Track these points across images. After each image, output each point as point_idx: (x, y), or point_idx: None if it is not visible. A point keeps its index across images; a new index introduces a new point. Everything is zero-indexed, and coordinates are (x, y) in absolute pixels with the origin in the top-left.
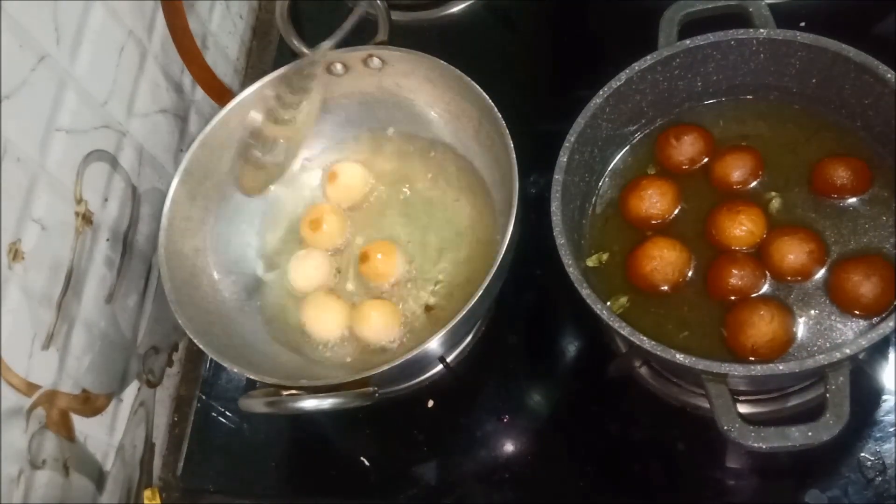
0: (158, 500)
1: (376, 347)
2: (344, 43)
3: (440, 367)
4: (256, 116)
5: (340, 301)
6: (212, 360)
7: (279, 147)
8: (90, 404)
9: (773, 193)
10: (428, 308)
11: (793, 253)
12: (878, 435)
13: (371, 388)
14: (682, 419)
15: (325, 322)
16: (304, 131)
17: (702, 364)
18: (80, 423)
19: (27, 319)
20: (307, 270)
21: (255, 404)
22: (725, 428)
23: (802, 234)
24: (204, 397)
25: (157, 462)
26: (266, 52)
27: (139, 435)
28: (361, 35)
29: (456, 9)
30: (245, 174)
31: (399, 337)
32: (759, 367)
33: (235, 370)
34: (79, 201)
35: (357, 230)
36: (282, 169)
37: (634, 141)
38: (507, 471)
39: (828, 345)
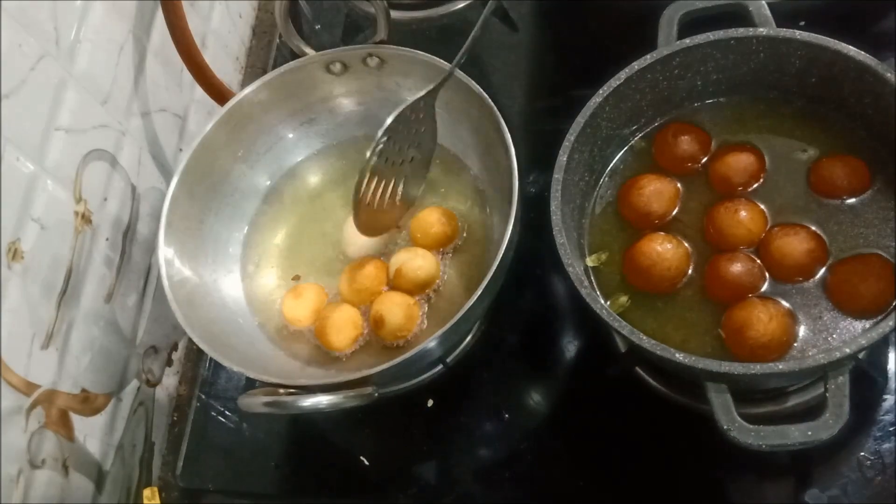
0: (158, 500)
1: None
2: None
3: (440, 366)
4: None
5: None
6: (211, 359)
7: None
8: (89, 404)
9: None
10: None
11: (792, 252)
12: (877, 434)
13: (370, 388)
14: (682, 419)
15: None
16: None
17: (702, 363)
18: (80, 423)
19: (26, 319)
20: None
21: (255, 403)
22: (725, 428)
23: (802, 233)
24: (203, 397)
25: (157, 461)
26: (266, 52)
27: (139, 434)
28: (361, 34)
29: (456, 8)
30: (360, 215)
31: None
32: (759, 366)
33: (235, 369)
34: (78, 200)
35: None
36: (397, 213)
37: (634, 140)
38: (507, 470)
39: (828, 344)
